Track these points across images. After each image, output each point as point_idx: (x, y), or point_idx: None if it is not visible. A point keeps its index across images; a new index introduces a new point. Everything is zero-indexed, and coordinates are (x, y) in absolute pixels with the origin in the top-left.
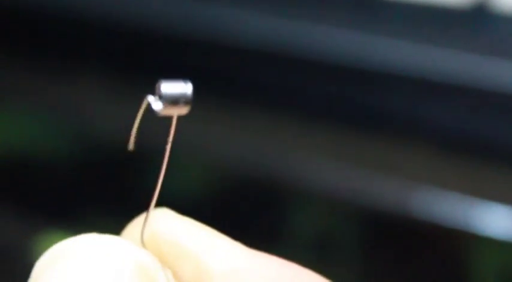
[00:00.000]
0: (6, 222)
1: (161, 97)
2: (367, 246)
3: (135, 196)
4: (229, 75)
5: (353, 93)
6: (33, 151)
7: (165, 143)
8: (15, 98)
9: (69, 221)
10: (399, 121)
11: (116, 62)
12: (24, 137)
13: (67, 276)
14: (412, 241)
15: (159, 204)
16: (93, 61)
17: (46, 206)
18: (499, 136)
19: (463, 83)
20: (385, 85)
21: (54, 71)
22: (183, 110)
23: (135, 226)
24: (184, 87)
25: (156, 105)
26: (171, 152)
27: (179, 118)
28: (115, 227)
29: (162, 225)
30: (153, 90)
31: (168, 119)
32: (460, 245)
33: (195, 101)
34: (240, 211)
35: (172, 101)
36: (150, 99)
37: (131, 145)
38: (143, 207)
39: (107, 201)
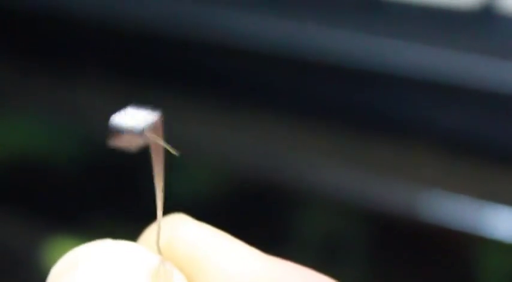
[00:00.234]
0: (12, 226)
1: (112, 127)
2: (375, 249)
3: (142, 199)
4: (234, 78)
5: (359, 95)
6: (39, 155)
7: (173, 146)
8: (21, 102)
9: (76, 225)
10: (406, 123)
11: (119, 64)
12: (29, 141)
13: None
14: (419, 244)
15: (167, 207)
16: (96, 64)
17: (52, 210)
18: (507, 138)
19: (470, 85)
20: (392, 87)
21: (58, 74)
22: (137, 141)
23: (151, 232)
24: (141, 121)
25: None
26: (172, 155)
27: (180, 121)
28: (122, 229)
29: (180, 231)
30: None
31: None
32: (467, 248)
33: (199, 103)
34: (246, 214)
35: (122, 131)
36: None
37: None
38: (149, 210)
39: (113, 205)
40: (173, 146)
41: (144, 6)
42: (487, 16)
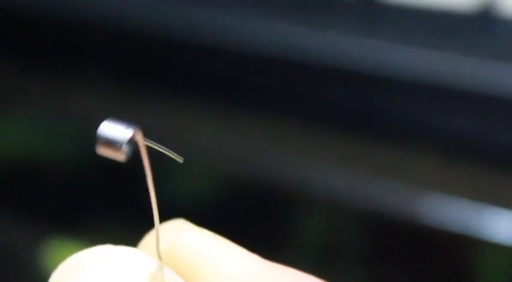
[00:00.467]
0: (12, 229)
1: (98, 136)
2: (375, 252)
3: (141, 201)
4: (234, 81)
5: (360, 98)
6: (38, 157)
7: (173, 149)
8: (21, 105)
9: (76, 228)
10: (406, 126)
11: (119, 67)
12: (29, 144)
13: None
14: (419, 247)
15: (167, 210)
16: (96, 66)
17: (52, 212)
18: (506, 142)
19: (469, 89)
20: (391, 90)
21: (58, 77)
22: (120, 155)
23: (152, 237)
24: (123, 133)
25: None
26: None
27: (180, 124)
28: (121, 232)
29: (181, 237)
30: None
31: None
32: (467, 251)
33: (200, 107)
34: (246, 217)
35: (107, 143)
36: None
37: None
38: (149, 212)
39: (113, 207)
40: (173, 149)
41: (146, 9)
42: (486, 19)
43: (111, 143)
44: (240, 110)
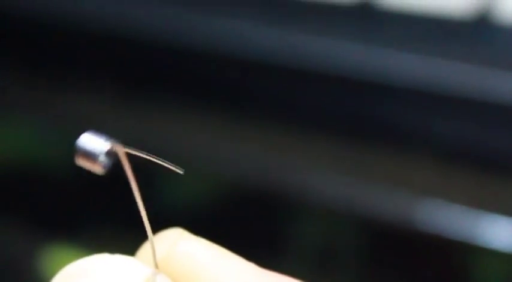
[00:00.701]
0: (10, 235)
1: (77, 148)
2: (372, 258)
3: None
4: (233, 88)
5: (356, 105)
6: (36, 164)
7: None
8: (19, 110)
9: (74, 234)
10: (403, 133)
11: (118, 73)
12: (27, 150)
13: None
14: (416, 253)
15: (165, 217)
16: (96, 72)
17: (50, 218)
18: (502, 148)
19: (466, 95)
20: (389, 97)
21: (57, 83)
22: (97, 168)
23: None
24: (101, 145)
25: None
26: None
27: (178, 130)
28: (119, 238)
29: (179, 246)
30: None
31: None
32: (464, 257)
33: (197, 113)
34: (244, 224)
35: (85, 154)
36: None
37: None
38: (149, 220)
39: (110, 214)
40: (171, 156)
41: (144, 15)
42: (484, 25)
43: (89, 155)
44: (238, 117)
